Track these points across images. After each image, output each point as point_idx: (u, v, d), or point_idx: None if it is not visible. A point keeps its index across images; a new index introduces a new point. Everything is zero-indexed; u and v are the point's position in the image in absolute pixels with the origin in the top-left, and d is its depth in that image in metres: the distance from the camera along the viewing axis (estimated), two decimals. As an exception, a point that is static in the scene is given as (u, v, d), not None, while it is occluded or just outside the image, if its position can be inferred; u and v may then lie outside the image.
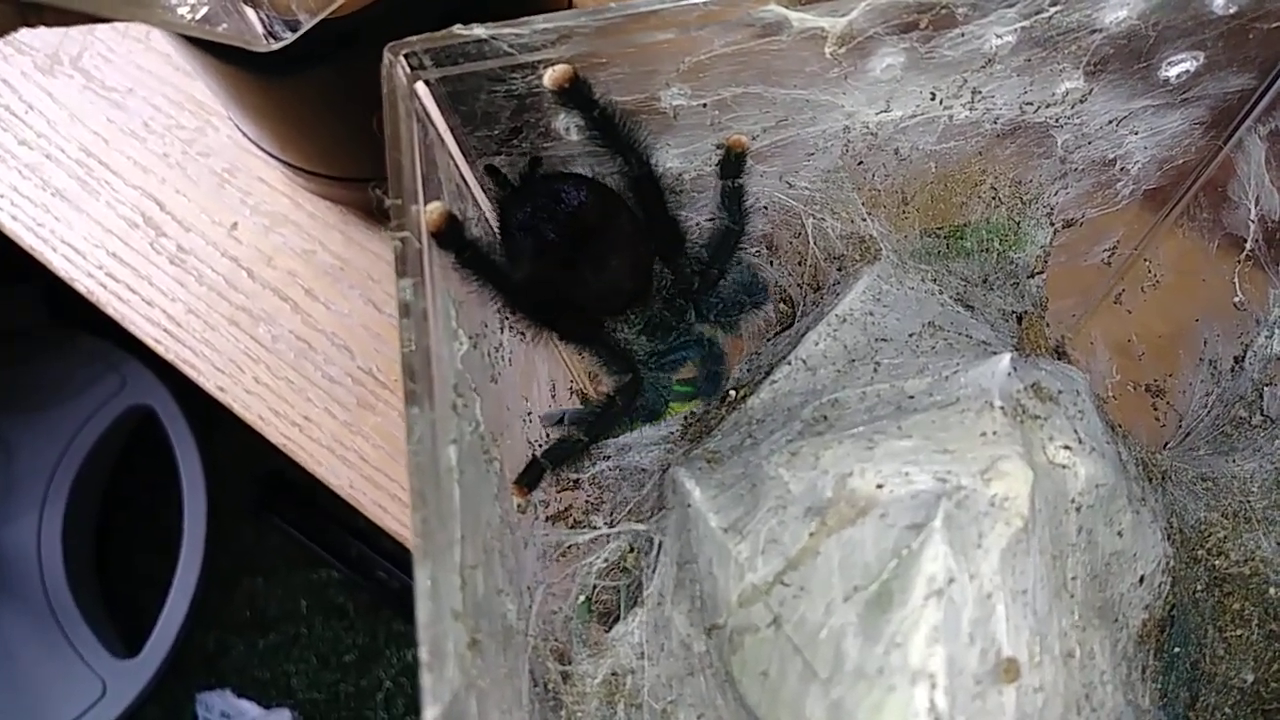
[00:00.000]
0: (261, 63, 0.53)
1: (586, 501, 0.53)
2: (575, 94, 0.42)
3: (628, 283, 0.51)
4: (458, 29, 0.38)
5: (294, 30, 0.48)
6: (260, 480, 1.65)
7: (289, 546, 1.66)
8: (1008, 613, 0.39)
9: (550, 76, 0.41)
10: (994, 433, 0.42)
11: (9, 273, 1.37)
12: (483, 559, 0.38)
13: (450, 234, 0.40)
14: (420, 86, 0.40)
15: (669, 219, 0.49)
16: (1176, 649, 0.49)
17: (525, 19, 0.38)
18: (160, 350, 0.79)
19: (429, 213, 0.39)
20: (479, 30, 0.38)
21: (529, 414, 0.51)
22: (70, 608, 1.47)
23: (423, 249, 0.37)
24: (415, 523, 0.33)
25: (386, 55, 0.38)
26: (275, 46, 0.48)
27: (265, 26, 0.49)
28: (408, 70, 0.39)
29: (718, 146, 0.48)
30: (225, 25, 0.48)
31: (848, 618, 0.39)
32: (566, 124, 0.44)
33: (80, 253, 0.81)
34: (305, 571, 1.66)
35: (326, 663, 1.64)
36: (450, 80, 0.40)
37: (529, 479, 0.49)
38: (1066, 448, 0.43)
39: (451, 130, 0.43)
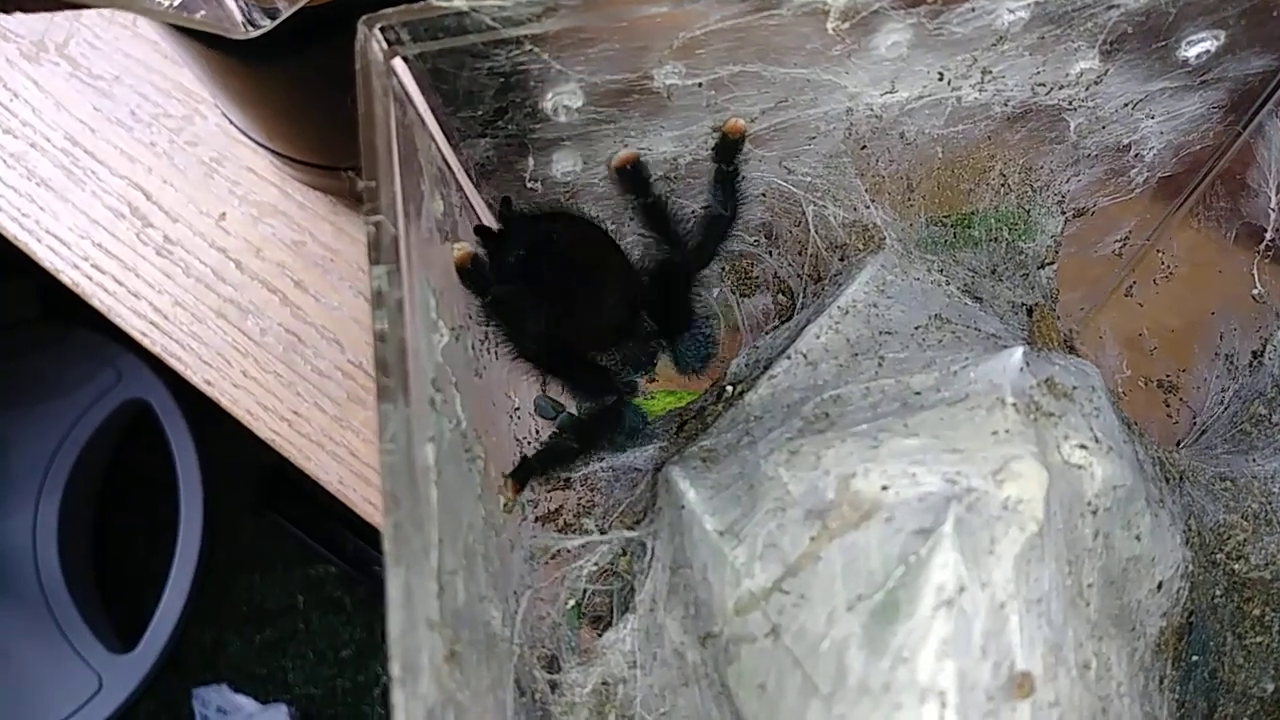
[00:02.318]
0: (246, 49, 0.51)
1: (578, 503, 0.51)
2: (635, 177, 0.44)
3: (621, 317, 0.51)
4: (436, 0, 0.36)
5: (273, 17, 0.47)
6: (257, 475, 1.64)
7: (286, 541, 1.65)
8: (1022, 623, 0.36)
9: (616, 158, 0.45)
10: (1006, 431, 0.40)
11: (2, 266, 1.36)
12: (463, 564, 0.36)
13: (474, 275, 0.41)
14: (398, 63, 0.38)
15: (687, 308, 0.51)
16: (1195, 657, 0.47)
17: (508, -9, 0.36)
18: (147, 343, 0.78)
19: (454, 251, 0.40)
20: (459, 2, 0.36)
21: (516, 409, 0.49)
22: (66, 603, 1.46)
23: (399, 234, 0.35)
24: (387, 527, 0.30)
25: (360, 29, 0.36)
26: (253, 34, 0.47)
27: (244, 13, 0.47)
28: (384, 45, 0.37)
29: (714, 129, 0.46)
30: (203, 12, 0.47)
31: (851, 629, 0.36)
32: (554, 104, 0.42)
33: (65, 244, 0.80)
34: (302, 567, 1.65)
35: (324, 658, 1.63)
36: (429, 57, 0.38)
37: (518, 476, 0.48)
38: (1082, 447, 0.41)
39: (433, 110, 0.41)
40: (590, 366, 0.51)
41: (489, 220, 0.47)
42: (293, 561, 1.66)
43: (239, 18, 0.47)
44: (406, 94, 0.39)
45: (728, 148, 0.47)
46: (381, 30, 0.36)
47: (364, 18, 0.36)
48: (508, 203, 0.47)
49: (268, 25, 0.47)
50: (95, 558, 1.59)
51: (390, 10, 0.36)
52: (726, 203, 0.49)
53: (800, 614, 0.38)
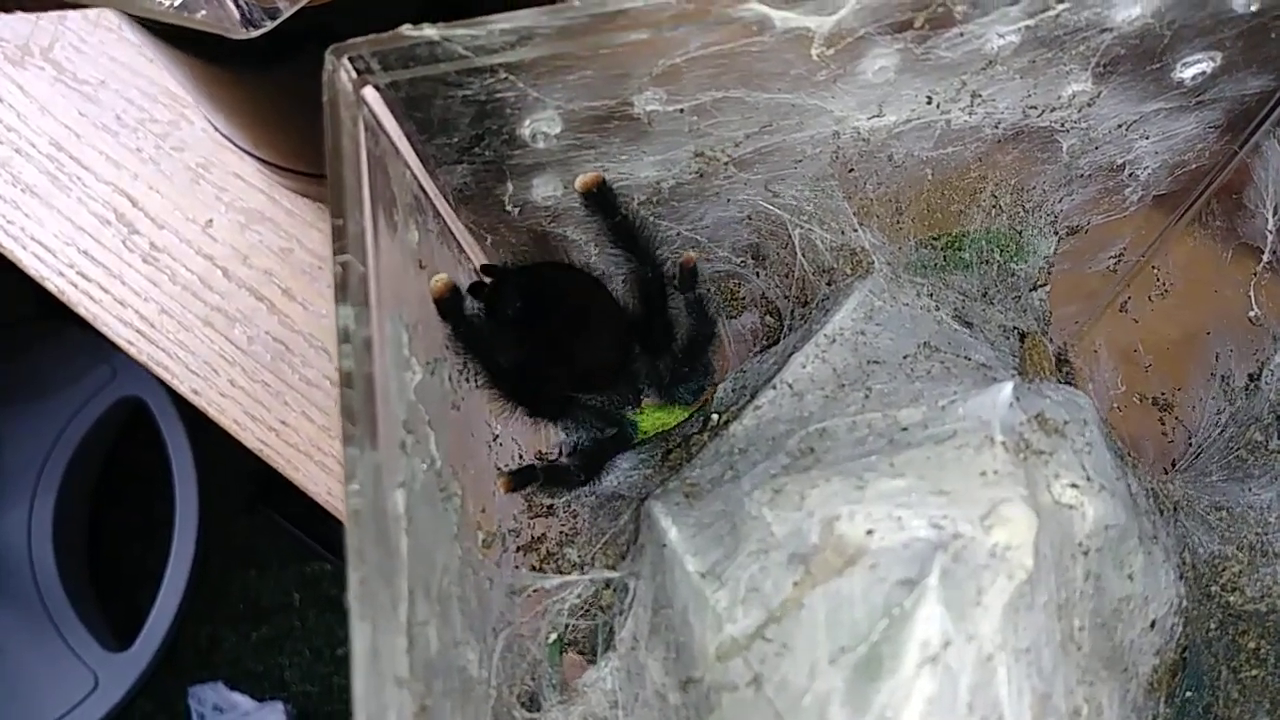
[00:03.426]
0: (228, 56, 0.50)
1: (561, 532, 0.50)
2: (601, 199, 0.44)
3: (615, 357, 0.51)
4: (406, 29, 0.35)
5: (273, 18, 0.46)
6: (253, 473, 1.64)
7: (282, 539, 1.64)
8: (1010, 675, 0.35)
9: (580, 181, 0.44)
10: (995, 471, 0.39)
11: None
12: (437, 610, 0.35)
13: (451, 306, 0.41)
14: (369, 92, 0.37)
15: (666, 324, 0.50)
16: (1189, 693, 0.46)
17: (481, 19, 0.35)
18: (133, 352, 0.77)
19: (433, 282, 0.40)
20: (430, 31, 0.34)
21: (496, 438, 0.48)
22: (61, 601, 1.46)
23: (368, 270, 0.34)
24: (352, 582, 0.29)
25: (328, 59, 0.35)
26: (255, 34, 0.46)
27: (244, 14, 0.46)
28: (353, 75, 0.36)
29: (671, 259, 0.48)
30: (203, 13, 0.46)
31: (833, 683, 0.35)
32: (532, 131, 0.41)
33: (51, 251, 0.79)
34: (298, 564, 1.65)
35: (320, 655, 1.63)
36: (402, 85, 0.37)
37: (517, 480, 0.48)
38: (1074, 486, 0.40)
39: (408, 138, 0.40)
40: (572, 402, 0.50)
41: (466, 242, 0.46)
42: (288, 558, 1.65)
43: (238, 17, 0.46)
44: (379, 123, 0.38)
45: (686, 278, 0.49)
46: (350, 60, 0.35)
47: (332, 47, 0.35)
48: (486, 269, 0.48)
49: (268, 25, 0.46)
50: (90, 555, 1.58)
51: (359, 39, 0.35)
52: (703, 322, 0.51)
53: (782, 664, 0.37)
